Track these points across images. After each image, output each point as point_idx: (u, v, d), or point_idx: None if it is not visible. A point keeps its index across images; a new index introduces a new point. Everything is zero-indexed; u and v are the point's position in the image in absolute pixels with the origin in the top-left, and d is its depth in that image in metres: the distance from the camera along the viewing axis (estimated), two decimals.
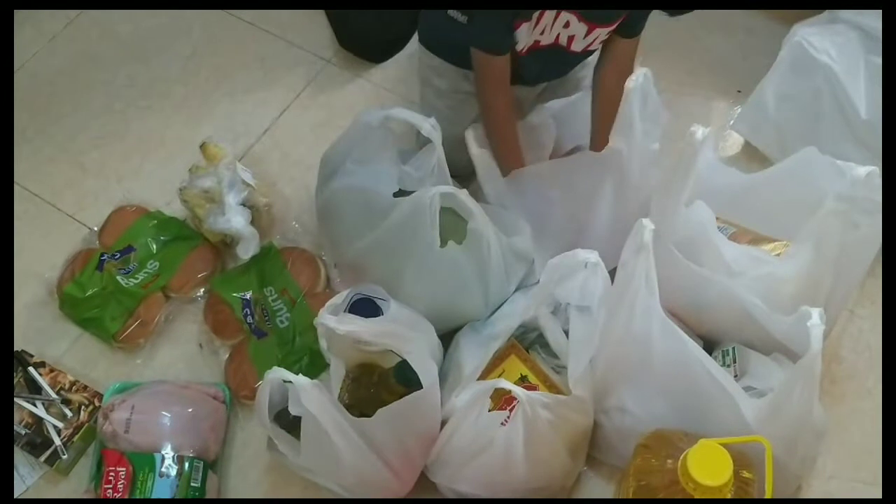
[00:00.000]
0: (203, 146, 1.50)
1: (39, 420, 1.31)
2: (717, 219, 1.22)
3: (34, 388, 1.34)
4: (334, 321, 1.11)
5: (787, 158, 1.28)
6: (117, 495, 1.19)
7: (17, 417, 1.30)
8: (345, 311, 1.21)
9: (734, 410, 1.07)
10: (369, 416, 1.09)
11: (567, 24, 1.24)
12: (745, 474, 0.99)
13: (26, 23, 1.84)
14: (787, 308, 1.11)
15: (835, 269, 1.19)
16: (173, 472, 1.21)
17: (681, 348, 1.11)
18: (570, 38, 1.27)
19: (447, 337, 1.32)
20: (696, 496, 0.96)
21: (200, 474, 1.23)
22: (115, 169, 1.64)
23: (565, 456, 1.18)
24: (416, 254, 1.24)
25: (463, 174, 1.36)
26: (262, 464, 1.31)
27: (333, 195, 1.36)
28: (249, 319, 1.40)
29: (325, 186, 1.38)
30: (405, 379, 1.15)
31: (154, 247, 1.47)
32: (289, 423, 1.15)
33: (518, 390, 1.06)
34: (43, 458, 1.28)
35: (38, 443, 1.29)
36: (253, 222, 1.43)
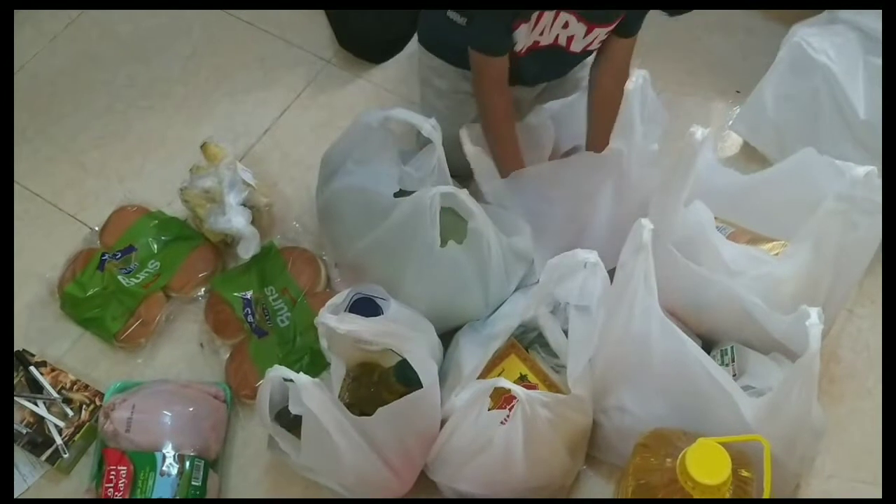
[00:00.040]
0: (204, 146, 1.50)
1: (41, 419, 1.31)
2: (715, 219, 1.22)
3: (35, 388, 1.35)
4: (335, 320, 1.11)
5: (787, 159, 1.28)
6: (118, 494, 1.19)
7: (18, 417, 1.31)
8: (345, 311, 1.21)
9: (733, 410, 1.07)
10: (369, 415, 1.10)
11: (566, 25, 1.24)
12: (744, 473, 1.00)
13: (26, 23, 1.84)
14: (785, 307, 1.12)
15: (834, 269, 1.19)
16: (174, 472, 1.21)
17: (680, 348, 1.11)
18: (570, 39, 1.28)
19: (447, 336, 1.32)
20: (695, 495, 0.96)
21: (201, 473, 1.23)
22: (116, 169, 1.65)
23: (565, 455, 1.18)
24: (416, 254, 1.24)
25: (463, 174, 1.36)
26: (262, 463, 1.31)
27: (334, 195, 1.36)
28: (250, 319, 1.40)
29: (326, 186, 1.38)
30: (405, 378, 1.15)
31: (155, 247, 1.48)
32: (289, 422, 1.15)
33: (518, 389, 1.06)
34: (44, 457, 1.29)
35: (40, 442, 1.30)
36: (253, 222, 1.43)
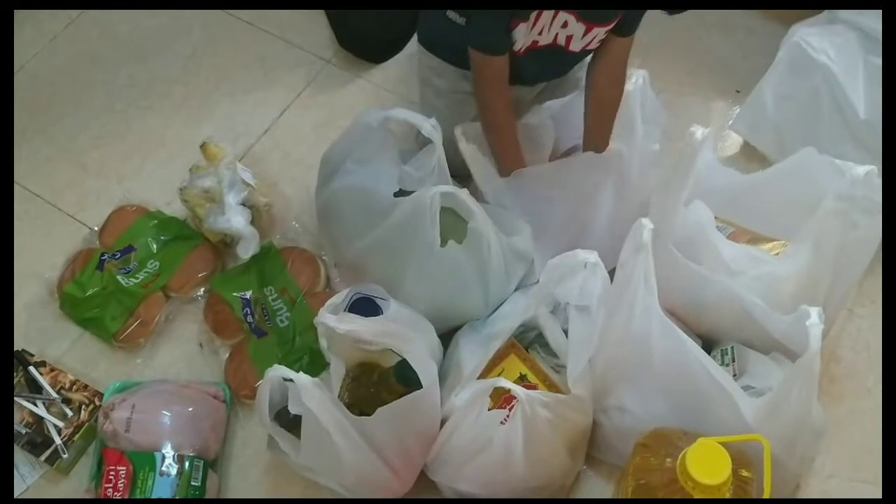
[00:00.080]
0: (203, 146, 1.50)
1: (40, 419, 1.31)
2: (716, 218, 1.22)
3: (35, 388, 1.35)
4: (334, 320, 1.11)
5: (787, 159, 1.28)
6: (118, 494, 1.19)
7: (17, 417, 1.31)
8: (345, 311, 1.21)
9: (733, 410, 1.07)
10: (369, 415, 1.09)
11: (565, 24, 1.24)
12: (744, 473, 1.00)
13: (26, 23, 1.84)
14: (786, 307, 1.12)
15: (834, 269, 1.19)
16: (174, 472, 1.21)
17: (680, 347, 1.11)
18: (569, 38, 1.27)
19: (447, 336, 1.32)
20: (695, 495, 0.96)
21: (201, 473, 1.23)
22: (116, 169, 1.65)
23: (564, 455, 1.18)
24: (416, 253, 1.24)
25: (463, 174, 1.36)
26: (262, 463, 1.31)
27: (334, 195, 1.36)
28: (249, 319, 1.40)
29: (326, 186, 1.38)
30: (405, 378, 1.15)
31: (154, 246, 1.48)
32: (289, 422, 1.15)
33: (517, 389, 1.06)
34: (43, 458, 1.29)
35: (39, 442, 1.29)
36: (253, 222, 1.43)
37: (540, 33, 1.26)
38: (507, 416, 1.09)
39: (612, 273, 1.18)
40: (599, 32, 1.27)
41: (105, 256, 1.45)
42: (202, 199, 1.45)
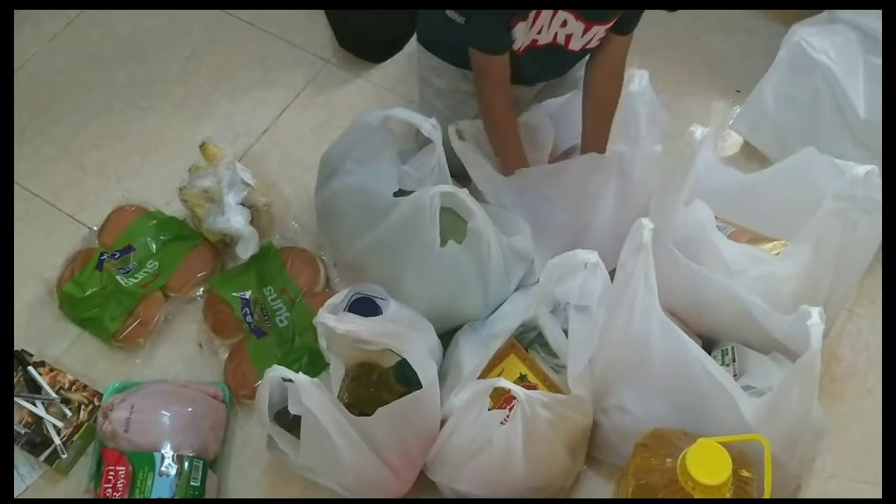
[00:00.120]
0: (203, 146, 1.50)
1: (39, 419, 1.31)
2: (716, 218, 1.22)
3: (34, 388, 1.34)
4: (334, 320, 1.11)
5: (787, 158, 1.28)
6: (117, 495, 1.19)
7: (16, 417, 1.30)
8: (344, 311, 1.21)
9: (733, 410, 1.07)
10: (369, 415, 1.09)
11: (564, 23, 1.24)
12: (745, 473, 0.99)
13: (26, 23, 1.84)
14: (786, 307, 1.12)
15: (834, 269, 1.19)
16: (173, 472, 1.21)
17: (680, 348, 1.11)
18: (568, 37, 1.27)
19: (447, 336, 1.32)
20: (696, 495, 0.96)
21: (200, 473, 1.23)
22: (115, 169, 1.64)
23: (564, 455, 1.18)
24: (416, 253, 1.24)
25: (463, 174, 1.35)
26: (261, 463, 1.31)
27: (333, 195, 1.36)
28: (249, 319, 1.40)
29: (325, 186, 1.38)
30: (405, 378, 1.15)
31: (153, 246, 1.47)
32: (288, 422, 1.15)
33: (517, 389, 1.06)
34: (42, 458, 1.28)
35: (38, 442, 1.29)
36: (252, 222, 1.43)
37: (539, 32, 1.25)
38: (507, 417, 1.09)
39: (612, 273, 1.18)
40: (599, 31, 1.26)
41: (104, 256, 1.45)
42: (201, 198, 1.45)
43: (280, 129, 1.69)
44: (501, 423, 1.09)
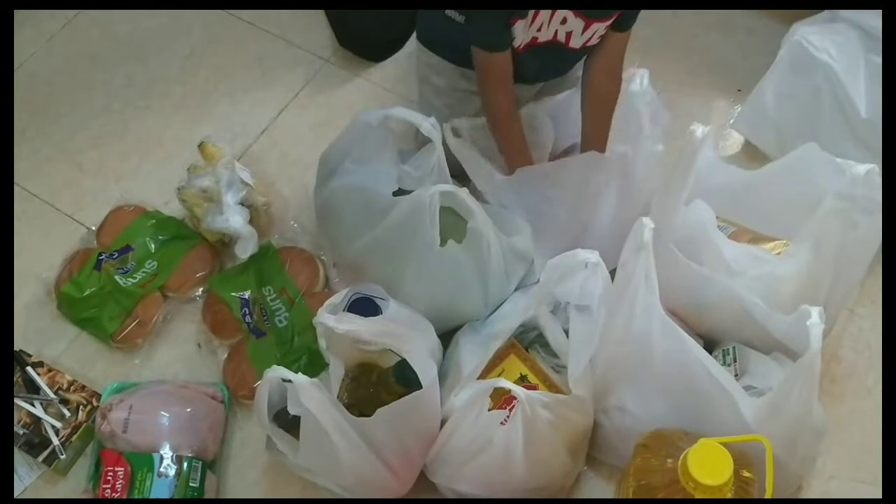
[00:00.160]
0: (201, 146, 1.50)
1: (37, 420, 1.30)
2: (716, 218, 1.21)
3: (32, 388, 1.34)
4: (333, 320, 1.10)
5: (788, 155, 1.28)
6: (116, 495, 1.19)
7: (15, 417, 1.30)
8: (344, 311, 1.21)
9: (734, 410, 1.07)
10: (368, 415, 1.09)
11: (564, 21, 1.24)
12: (746, 474, 0.99)
13: (26, 23, 1.84)
14: (786, 307, 1.11)
15: (834, 268, 1.19)
16: (172, 472, 1.21)
17: (681, 347, 1.11)
18: (569, 35, 1.27)
19: (447, 336, 1.32)
20: (697, 496, 0.96)
21: (199, 474, 1.23)
22: (114, 169, 1.64)
23: (565, 456, 1.17)
24: (415, 253, 1.24)
25: (462, 173, 1.35)
26: (260, 463, 1.31)
27: (332, 195, 1.36)
28: (248, 319, 1.39)
29: (324, 186, 1.38)
30: (404, 378, 1.15)
31: (152, 246, 1.47)
32: (287, 422, 1.15)
33: (518, 389, 1.06)
34: (41, 458, 1.28)
35: (37, 443, 1.29)
36: (251, 222, 1.43)
37: (539, 29, 1.25)
38: (508, 417, 1.09)
39: (613, 273, 1.18)
40: (599, 28, 1.26)
41: (103, 256, 1.45)
42: (200, 198, 1.44)
43: (279, 129, 1.68)
44: (501, 423, 1.09)
